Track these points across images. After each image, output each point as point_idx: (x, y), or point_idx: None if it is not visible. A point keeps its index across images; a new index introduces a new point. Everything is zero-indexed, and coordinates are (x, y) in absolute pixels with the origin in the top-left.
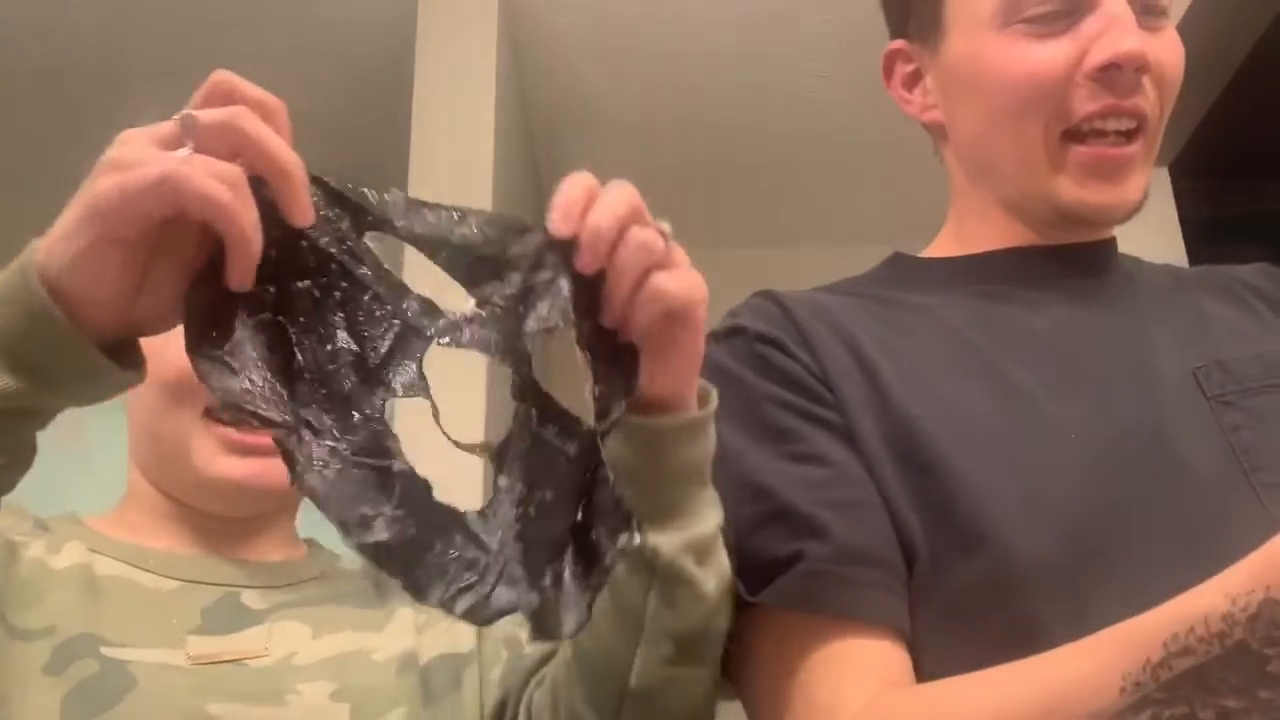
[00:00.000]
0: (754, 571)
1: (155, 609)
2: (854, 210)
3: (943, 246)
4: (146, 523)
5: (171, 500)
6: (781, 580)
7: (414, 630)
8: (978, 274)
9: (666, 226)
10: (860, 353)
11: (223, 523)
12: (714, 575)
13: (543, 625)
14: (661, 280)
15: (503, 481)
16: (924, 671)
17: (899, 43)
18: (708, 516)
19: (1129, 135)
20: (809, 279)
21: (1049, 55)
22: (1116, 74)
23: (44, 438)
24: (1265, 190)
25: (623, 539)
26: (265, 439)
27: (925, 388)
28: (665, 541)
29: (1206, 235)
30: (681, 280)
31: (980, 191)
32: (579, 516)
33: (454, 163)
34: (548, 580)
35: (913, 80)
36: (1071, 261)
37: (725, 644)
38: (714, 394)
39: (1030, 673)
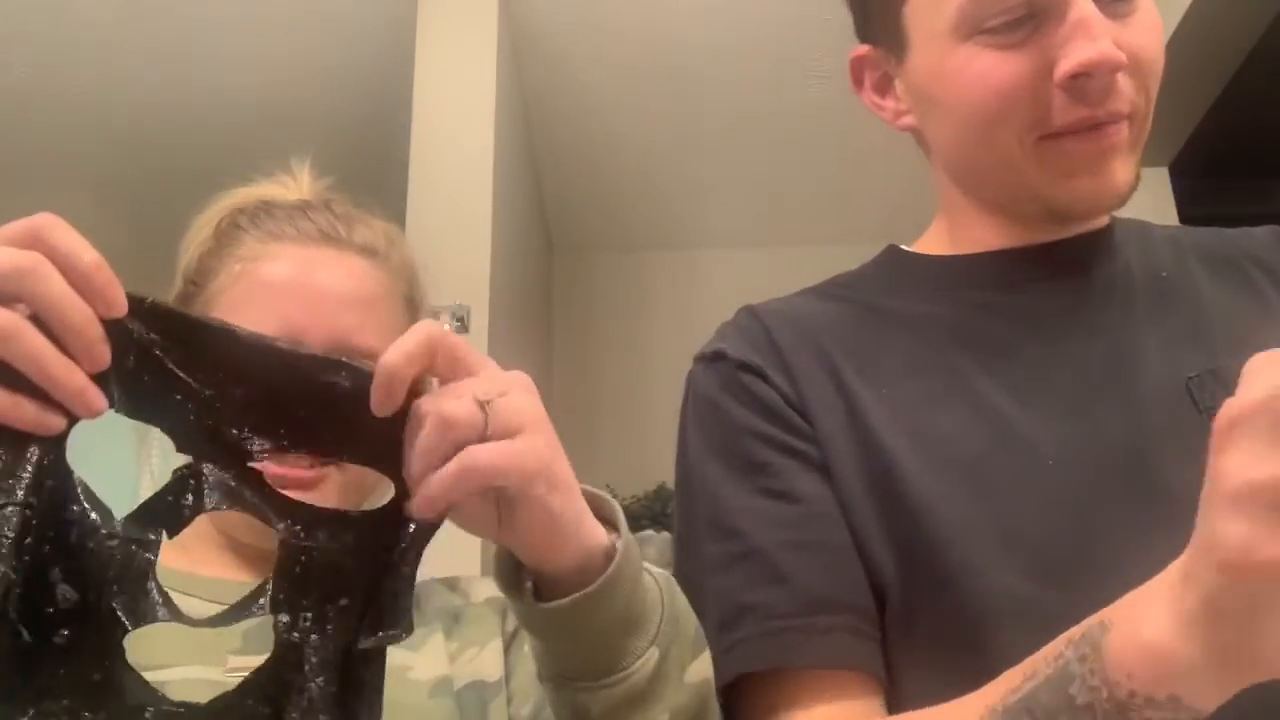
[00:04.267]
0: (717, 610)
1: (196, 632)
2: (852, 210)
3: (935, 242)
4: (201, 550)
5: (222, 531)
6: (741, 647)
7: (447, 656)
8: (968, 279)
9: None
10: (840, 378)
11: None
12: (663, 710)
13: None
14: (476, 454)
15: (284, 618)
16: (904, 709)
17: (864, 48)
18: (641, 661)
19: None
20: (806, 280)
21: (1015, 69)
22: (1088, 82)
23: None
24: (1265, 190)
25: (379, 635)
26: (298, 470)
27: (903, 416)
28: (594, 701)
29: None
30: (503, 453)
31: (967, 195)
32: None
33: (454, 162)
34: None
35: (883, 85)
36: (1065, 259)
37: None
38: (622, 531)
39: (933, 709)
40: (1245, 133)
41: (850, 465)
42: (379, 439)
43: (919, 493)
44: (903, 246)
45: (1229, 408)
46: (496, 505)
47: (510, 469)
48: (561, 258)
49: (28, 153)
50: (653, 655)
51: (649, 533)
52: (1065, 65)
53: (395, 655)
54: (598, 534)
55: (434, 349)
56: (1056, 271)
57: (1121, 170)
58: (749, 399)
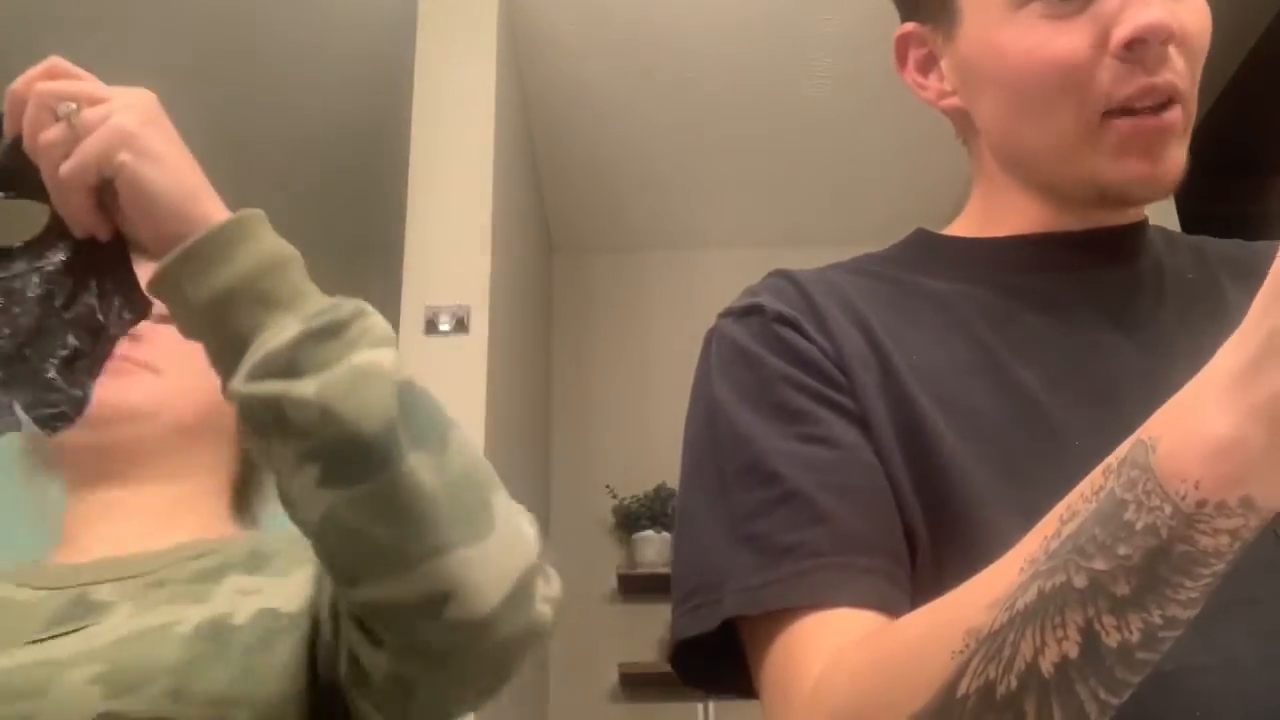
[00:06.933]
0: (752, 555)
1: (8, 619)
2: (852, 210)
3: (968, 226)
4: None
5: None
6: (778, 585)
7: (236, 593)
8: (1001, 260)
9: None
10: (874, 339)
11: None
12: (312, 381)
13: (45, 421)
14: (64, 169)
15: None
16: None
17: (910, 26)
18: (278, 329)
19: (1164, 105)
20: None
21: (1071, 41)
22: (1143, 49)
23: None
24: (1265, 190)
25: (126, 314)
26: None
27: (934, 383)
28: (238, 378)
29: (1206, 234)
30: (80, 152)
31: (1011, 176)
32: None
33: (454, 162)
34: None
35: (927, 65)
36: (1100, 248)
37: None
38: (258, 225)
39: (956, 590)
40: (1245, 133)
41: (885, 420)
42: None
43: (948, 455)
44: (931, 232)
45: None
46: (105, 210)
47: (86, 160)
48: (561, 258)
49: None
50: (292, 324)
51: (649, 533)
52: (1121, 31)
53: (170, 614)
54: (213, 212)
55: (53, 73)
56: (1090, 261)
57: (1175, 155)
58: (785, 350)
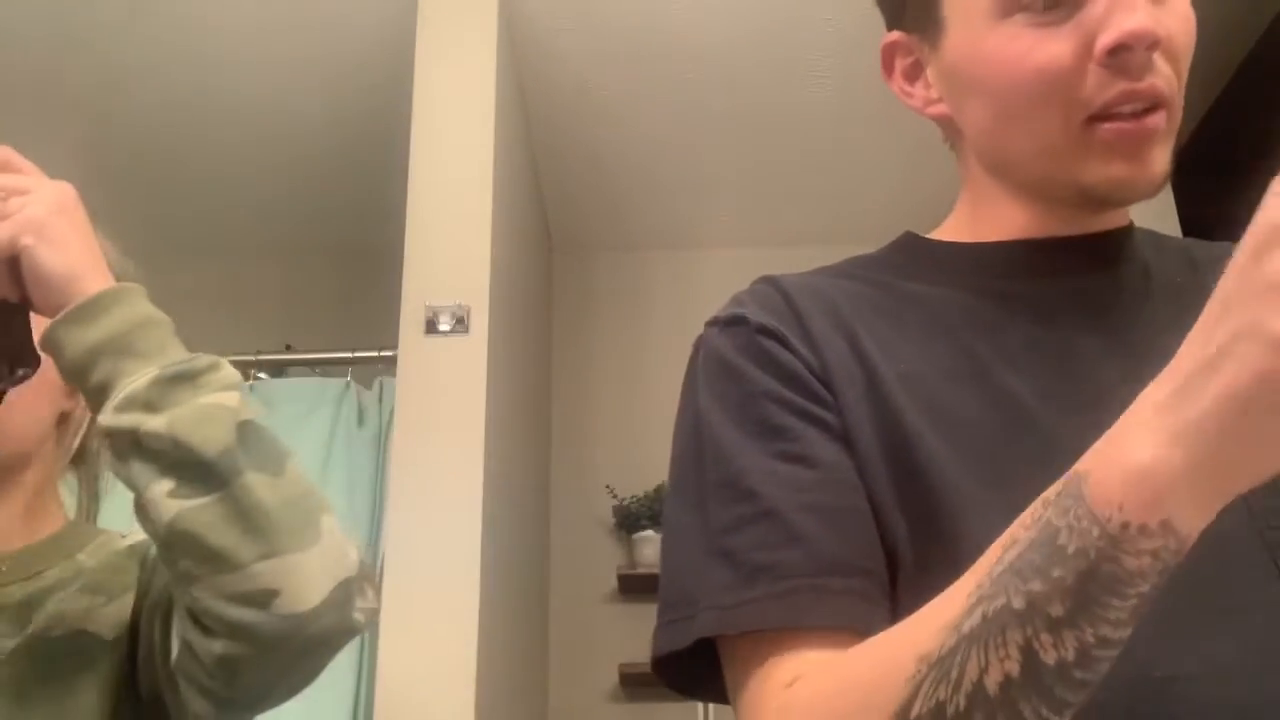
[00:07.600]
0: (728, 570)
1: None
2: (852, 211)
3: (955, 230)
4: None
5: None
6: (753, 605)
7: (57, 607)
8: (988, 265)
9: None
10: (860, 349)
11: None
12: (164, 416)
13: None
14: None
15: None
16: None
17: (896, 35)
18: (134, 374)
19: (1148, 110)
20: None
21: (1056, 49)
22: (1127, 55)
23: None
24: (1265, 190)
25: (20, 372)
26: None
27: (921, 392)
28: (103, 414)
29: (1206, 235)
30: None
31: (997, 181)
32: None
33: (454, 162)
34: None
35: (913, 73)
36: (1087, 253)
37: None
38: (132, 294)
39: (911, 618)
40: (1245, 133)
41: (869, 434)
42: None
43: (936, 470)
44: (919, 234)
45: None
46: (17, 280)
47: (0, 241)
48: (561, 257)
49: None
50: (149, 368)
51: (649, 533)
52: (1105, 38)
53: None
54: (95, 287)
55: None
56: (1076, 266)
57: (1158, 158)
58: (768, 363)
